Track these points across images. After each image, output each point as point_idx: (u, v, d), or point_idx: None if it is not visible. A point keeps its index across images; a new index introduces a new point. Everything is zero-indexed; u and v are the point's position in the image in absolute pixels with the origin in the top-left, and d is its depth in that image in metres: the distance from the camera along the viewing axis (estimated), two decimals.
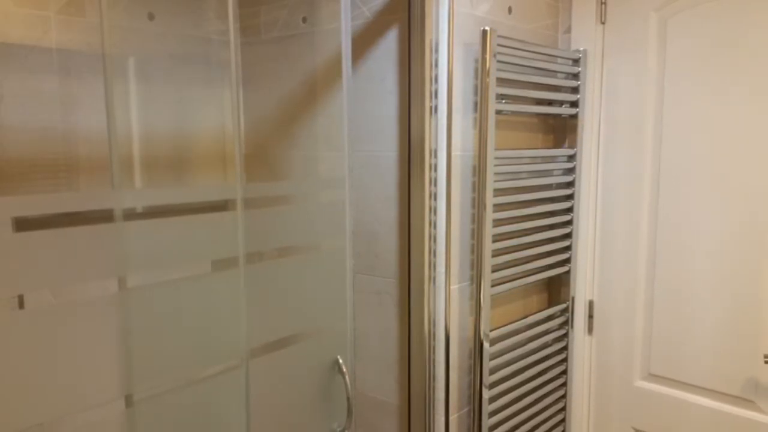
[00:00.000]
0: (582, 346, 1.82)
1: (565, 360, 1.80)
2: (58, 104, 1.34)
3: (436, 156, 1.42)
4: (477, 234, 1.46)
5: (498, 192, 1.51)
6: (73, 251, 0.90)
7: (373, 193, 1.54)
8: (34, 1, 1.31)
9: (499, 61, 1.44)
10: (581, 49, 1.71)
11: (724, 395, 1.58)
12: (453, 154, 1.42)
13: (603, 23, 1.72)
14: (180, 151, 1.56)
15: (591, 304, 1.81)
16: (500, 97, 1.50)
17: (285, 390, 1.28)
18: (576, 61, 1.70)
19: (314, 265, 1.32)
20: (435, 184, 1.42)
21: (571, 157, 1.73)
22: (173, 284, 1.06)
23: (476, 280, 1.47)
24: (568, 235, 1.75)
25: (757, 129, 1.47)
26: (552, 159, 1.72)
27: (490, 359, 1.52)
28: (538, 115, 1.71)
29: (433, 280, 1.45)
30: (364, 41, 1.51)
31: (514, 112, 1.60)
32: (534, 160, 1.67)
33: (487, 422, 1.51)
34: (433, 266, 1.44)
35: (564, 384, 1.81)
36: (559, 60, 1.68)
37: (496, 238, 1.52)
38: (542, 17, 1.69)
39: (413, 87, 1.42)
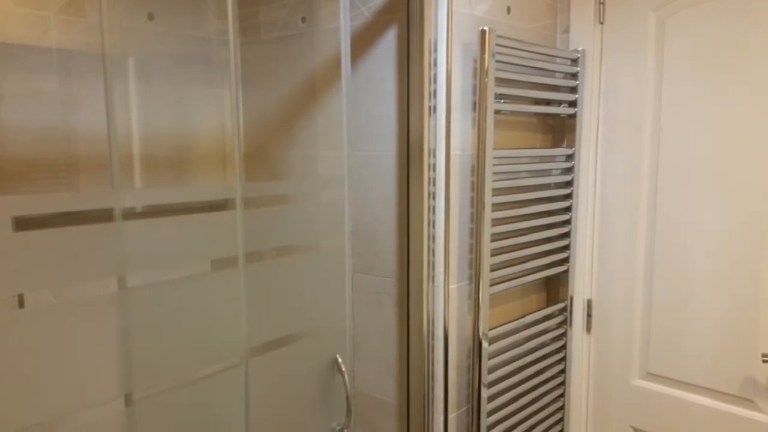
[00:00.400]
0: (580, 345, 1.83)
1: (563, 359, 1.80)
2: (58, 104, 1.35)
3: (435, 156, 1.42)
4: (476, 233, 1.47)
5: (497, 191, 1.51)
6: (73, 251, 0.91)
7: (373, 192, 1.54)
8: (34, 1, 1.32)
9: (497, 61, 1.44)
10: (580, 48, 1.71)
11: (722, 394, 1.59)
12: (452, 153, 1.42)
13: (601, 23, 1.72)
14: (180, 150, 1.57)
15: (589, 303, 1.81)
16: (499, 96, 1.51)
17: (284, 389, 1.28)
18: (574, 61, 1.70)
19: (313, 264, 1.32)
20: (434, 184, 1.43)
21: (570, 157, 1.74)
22: (173, 284, 1.06)
23: (475, 279, 1.48)
24: (567, 234, 1.76)
25: (757, 129, 1.47)
26: (550, 158, 1.72)
27: (489, 358, 1.53)
28: (536, 114, 1.71)
29: (432, 279, 1.45)
30: (363, 41, 1.51)
31: (512, 112, 1.60)
32: (533, 159, 1.67)
33: (485, 421, 1.52)
34: (432, 265, 1.45)
35: (563, 383, 1.81)
36: (558, 60, 1.68)
37: (495, 238, 1.52)
38: (541, 17, 1.69)
39: (412, 87, 1.42)
